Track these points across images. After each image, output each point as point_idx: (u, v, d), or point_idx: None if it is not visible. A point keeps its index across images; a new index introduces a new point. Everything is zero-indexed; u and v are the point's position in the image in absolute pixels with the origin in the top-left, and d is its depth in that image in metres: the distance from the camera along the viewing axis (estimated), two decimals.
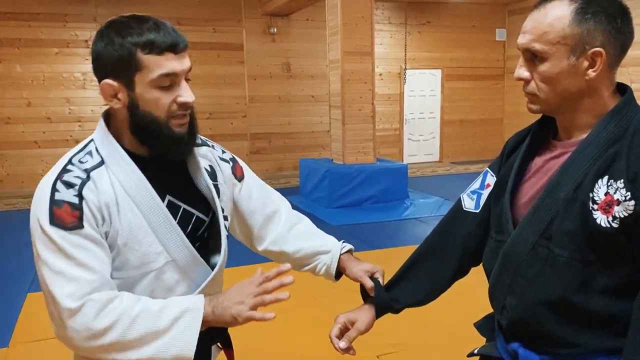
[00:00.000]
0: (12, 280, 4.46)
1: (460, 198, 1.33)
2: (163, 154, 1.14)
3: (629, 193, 0.95)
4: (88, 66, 8.32)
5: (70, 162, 1.10)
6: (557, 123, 1.12)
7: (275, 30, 9.20)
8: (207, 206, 1.24)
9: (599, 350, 1.04)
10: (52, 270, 1.02)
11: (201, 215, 1.22)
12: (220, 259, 1.23)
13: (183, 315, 1.06)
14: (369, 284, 1.31)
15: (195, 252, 1.17)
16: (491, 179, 1.27)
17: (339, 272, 1.39)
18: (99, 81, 1.09)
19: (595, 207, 0.98)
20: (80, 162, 1.10)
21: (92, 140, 1.15)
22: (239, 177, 1.37)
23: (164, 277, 1.14)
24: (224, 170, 1.32)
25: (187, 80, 1.12)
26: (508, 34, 10.80)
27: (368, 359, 3.03)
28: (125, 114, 1.10)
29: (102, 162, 1.10)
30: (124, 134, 1.13)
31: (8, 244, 5.65)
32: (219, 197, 1.24)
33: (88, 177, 1.07)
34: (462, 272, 1.34)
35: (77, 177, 1.07)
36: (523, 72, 1.06)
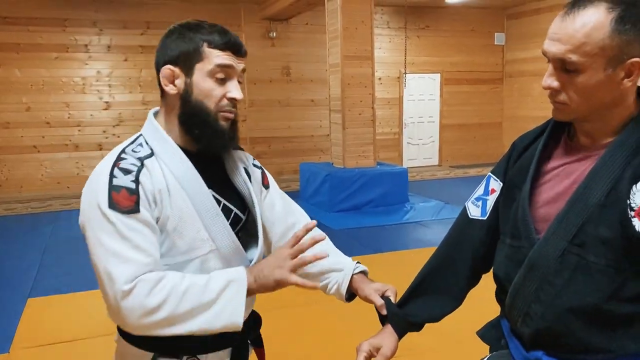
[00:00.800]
0: (11, 286, 4.44)
1: (465, 207, 1.30)
2: (205, 145, 1.20)
3: None
4: (87, 71, 8.33)
5: (124, 151, 1.17)
6: (578, 127, 1.09)
7: (274, 34, 9.21)
8: (243, 205, 1.29)
9: (628, 355, 1.02)
10: (109, 251, 1.08)
11: (239, 213, 1.27)
12: (257, 251, 1.27)
13: (228, 285, 1.11)
14: (379, 301, 1.27)
15: (238, 242, 1.22)
16: (495, 184, 1.25)
17: (352, 294, 1.37)
18: (159, 70, 1.18)
19: (633, 213, 0.95)
20: (133, 151, 1.17)
21: (141, 134, 1.22)
22: (266, 185, 1.41)
23: (208, 264, 1.19)
24: (256, 177, 1.37)
25: (239, 82, 1.21)
26: (507, 39, 10.83)
27: None
28: (177, 102, 1.18)
29: (152, 154, 1.17)
30: (172, 129, 1.21)
31: (7, 249, 5.62)
32: (251, 197, 1.30)
33: (142, 164, 1.14)
34: (474, 281, 1.32)
35: (133, 164, 1.13)
36: (553, 81, 1.02)
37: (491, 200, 1.25)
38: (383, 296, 1.29)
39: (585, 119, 1.05)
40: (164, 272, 1.10)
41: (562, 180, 1.09)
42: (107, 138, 8.52)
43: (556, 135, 1.15)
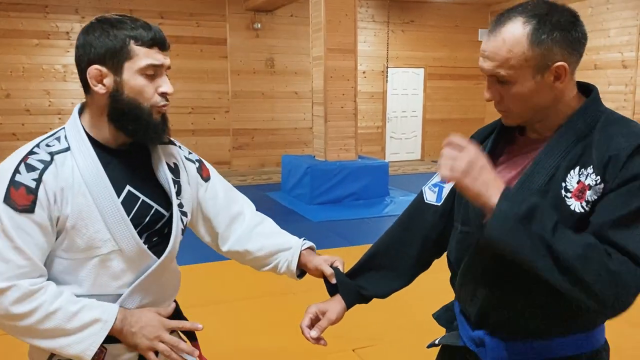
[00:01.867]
0: None
1: (421, 191, 1.36)
2: (139, 139, 1.22)
3: (598, 177, 1.01)
4: (69, 58, 8.23)
5: (37, 145, 1.16)
6: (527, 125, 1.16)
7: (259, 25, 9.19)
8: (168, 201, 1.29)
9: (569, 334, 1.10)
10: None
11: (161, 209, 1.27)
12: (165, 251, 1.26)
13: (93, 324, 1.14)
14: (329, 270, 1.33)
15: (142, 245, 1.22)
16: None
17: (302, 271, 1.41)
18: (84, 68, 1.17)
19: (569, 194, 1.04)
20: (47, 145, 1.16)
21: (63, 128, 1.22)
22: (205, 177, 1.41)
23: (109, 264, 1.20)
24: (189, 170, 1.37)
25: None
26: None
27: (344, 353, 3.07)
28: (105, 101, 1.18)
29: (67, 149, 1.17)
30: (96, 125, 1.21)
31: None
32: (180, 194, 1.31)
33: (52, 160, 1.14)
34: (424, 263, 1.37)
35: (41, 160, 1.13)
36: (492, 94, 1.11)
37: (447, 187, 1.30)
38: (332, 266, 1.34)
39: (531, 120, 1.13)
40: (43, 285, 1.12)
41: (510, 171, 1.16)
42: None
43: (509, 131, 1.21)
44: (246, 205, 1.48)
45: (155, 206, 1.26)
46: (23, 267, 1.10)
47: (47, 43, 8.13)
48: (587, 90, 1.14)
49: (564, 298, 1.03)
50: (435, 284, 4.07)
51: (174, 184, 1.30)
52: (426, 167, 10.20)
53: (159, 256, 1.25)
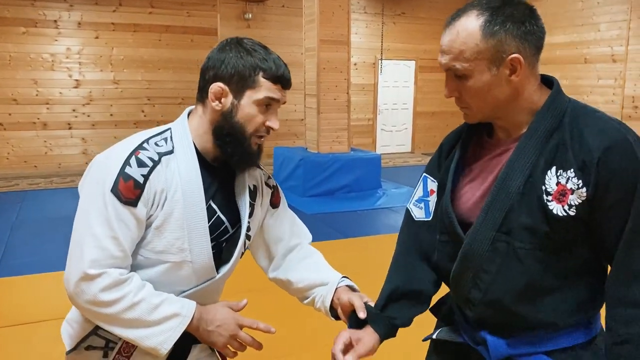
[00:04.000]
0: None
1: (407, 210, 1.33)
2: (233, 162, 1.27)
3: (580, 181, 1.00)
4: (57, 47, 8.10)
5: (147, 141, 1.20)
6: (494, 125, 1.15)
7: (250, 16, 9.10)
8: (236, 219, 1.32)
9: (567, 326, 1.10)
10: (91, 229, 1.12)
11: (229, 227, 1.31)
12: (226, 268, 1.31)
13: (172, 318, 1.16)
14: (359, 303, 1.26)
15: (212, 261, 1.26)
16: (433, 184, 1.28)
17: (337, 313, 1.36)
18: (209, 80, 1.22)
19: (550, 197, 1.03)
20: (156, 144, 1.21)
21: (169, 129, 1.26)
22: (275, 204, 1.45)
23: (177, 272, 1.23)
24: (265, 195, 1.41)
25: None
26: None
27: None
28: (216, 117, 1.23)
29: (172, 151, 1.21)
30: (201, 135, 1.25)
31: None
32: (251, 216, 1.34)
33: (159, 160, 1.18)
34: (439, 280, 1.31)
35: (150, 158, 1.17)
36: (450, 90, 1.10)
37: (432, 200, 1.28)
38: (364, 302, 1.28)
39: (492, 117, 1.12)
40: (129, 275, 1.15)
41: (487, 176, 1.13)
42: (76, 117, 8.34)
43: (478, 134, 1.20)
44: (305, 239, 1.49)
45: (226, 223, 1.30)
46: (116, 257, 1.13)
47: (34, 31, 7.99)
48: (548, 83, 1.12)
49: (571, 295, 1.05)
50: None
51: (249, 206, 1.33)
52: (416, 160, 10.22)
53: (216, 266, 1.28)
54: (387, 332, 1.27)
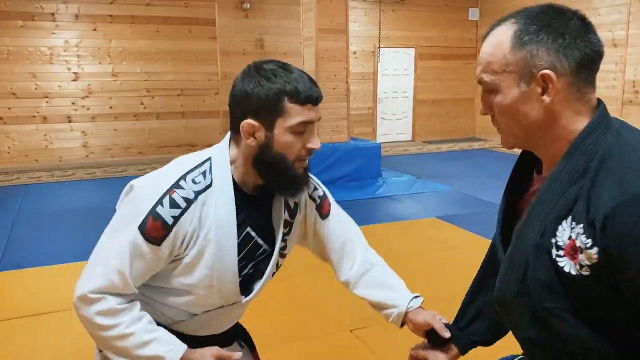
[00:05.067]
0: None
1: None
2: (279, 191, 1.26)
3: (589, 240, 0.85)
4: (55, 40, 8.08)
5: (185, 178, 1.18)
6: (538, 155, 1.01)
7: (248, 6, 9.06)
8: (273, 239, 1.32)
9: None
10: (108, 256, 1.15)
11: (267, 248, 1.31)
12: (253, 292, 1.32)
13: (159, 359, 1.17)
14: (439, 325, 1.28)
15: (239, 294, 1.27)
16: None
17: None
18: (239, 118, 1.18)
19: (562, 252, 0.89)
20: (194, 182, 1.18)
21: (209, 159, 1.22)
22: (324, 215, 1.42)
23: (205, 300, 1.26)
24: (308, 210, 1.39)
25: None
26: (481, 14, 10.87)
27: (342, 334, 3.10)
28: (254, 152, 1.19)
29: (210, 186, 1.19)
30: (239, 167, 1.23)
31: None
32: (288, 234, 1.33)
33: (195, 199, 1.17)
34: None
35: (185, 198, 1.16)
36: (484, 106, 1.00)
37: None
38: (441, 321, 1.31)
39: (526, 144, 0.99)
40: (127, 306, 1.17)
41: None
42: (76, 110, 8.34)
43: (528, 167, 1.07)
44: (358, 244, 1.46)
45: (264, 246, 1.30)
46: (118, 288, 1.16)
47: (32, 25, 7.97)
48: None
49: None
50: (424, 268, 4.09)
51: (286, 226, 1.31)
52: (417, 148, 10.21)
53: (246, 285, 1.30)
54: (467, 348, 1.28)
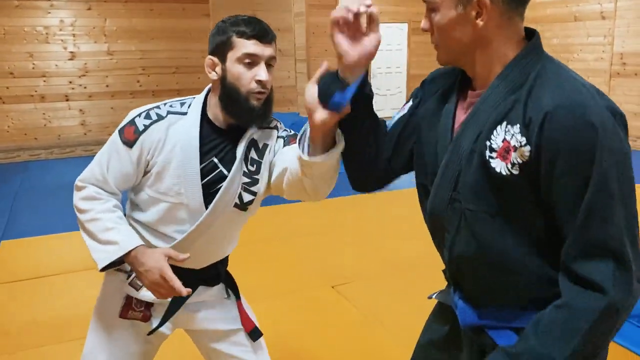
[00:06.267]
0: None
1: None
2: (238, 120, 1.43)
3: (524, 138, 0.93)
4: (50, 20, 8.18)
5: (165, 103, 1.48)
6: (466, 70, 1.09)
7: None
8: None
9: (529, 303, 1.02)
10: (98, 156, 1.45)
11: (225, 173, 1.47)
12: (211, 205, 1.43)
13: (113, 244, 1.37)
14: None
15: (203, 206, 1.44)
16: (408, 104, 1.26)
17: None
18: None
19: (494, 154, 0.97)
20: (170, 106, 1.47)
21: (193, 98, 1.50)
22: (289, 143, 1.50)
23: (175, 212, 1.46)
24: (277, 148, 1.50)
25: (269, 65, 1.40)
26: None
27: (324, 289, 3.32)
28: (217, 86, 1.42)
29: (185, 114, 1.45)
30: (212, 106, 1.46)
31: None
32: (257, 173, 1.48)
33: (165, 116, 1.43)
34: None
35: (157, 114, 1.44)
36: (424, 23, 1.08)
37: (397, 115, 1.28)
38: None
39: (458, 62, 1.08)
40: (103, 197, 1.42)
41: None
42: (73, 89, 8.47)
43: (465, 85, 1.14)
44: (293, 160, 1.46)
45: (227, 174, 1.45)
46: (99, 180, 1.43)
47: (27, 4, 8.05)
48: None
49: (533, 270, 0.99)
50: (404, 228, 4.29)
51: (253, 163, 1.48)
52: None
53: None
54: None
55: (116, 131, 1.44)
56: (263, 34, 1.37)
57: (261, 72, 1.37)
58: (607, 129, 0.90)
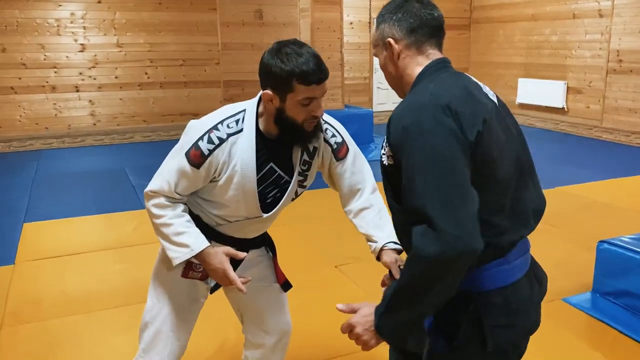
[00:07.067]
0: (7, 213, 4.84)
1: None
2: (292, 141, 1.64)
3: (385, 137, 1.25)
4: (61, 12, 8.39)
5: (222, 122, 1.61)
6: None
7: None
8: (293, 171, 1.71)
9: None
10: (169, 167, 1.62)
11: (287, 177, 1.70)
12: (271, 212, 1.72)
13: (185, 247, 1.62)
14: (395, 269, 1.56)
15: (259, 210, 1.70)
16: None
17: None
18: (262, 85, 1.56)
19: (385, 155, 1.27)
20: (227, 126, 1.60)
21: (244, 110, 1.63)
22: (339, 157, 1.76)
23: (234, 211, 1.70)
24: (324, 152, 1.74)
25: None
26: None
27: (328, 269, 3.56)
28: (273, 111, 1.57)
29: (241, 130, 1.61)
30: (264, 119, 1.63)
31: None
32: (308, 170, 1.72)
33: (226, 139, 1.59)
34: None
35: (219, 137, 1.59)
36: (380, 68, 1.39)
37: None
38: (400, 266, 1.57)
39: (400, 92, 1.39)
40: (173, 204, 1.63)
41: None
42: (83, 80, 8.69)
43: None
44: (368, 186, 1.80)
45: (285, 177, 1.70)
46: (166, 192, 1.62)
47: None
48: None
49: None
50: None
51: (305, 164, 1.70)
52: None
53: (271, 204, 1.72)
54: None
55: (182, 153, 1.59)
56: (321, 78, 1.50)
57: (317, 109, 1.54)
58: (420, 129, 1.15)
